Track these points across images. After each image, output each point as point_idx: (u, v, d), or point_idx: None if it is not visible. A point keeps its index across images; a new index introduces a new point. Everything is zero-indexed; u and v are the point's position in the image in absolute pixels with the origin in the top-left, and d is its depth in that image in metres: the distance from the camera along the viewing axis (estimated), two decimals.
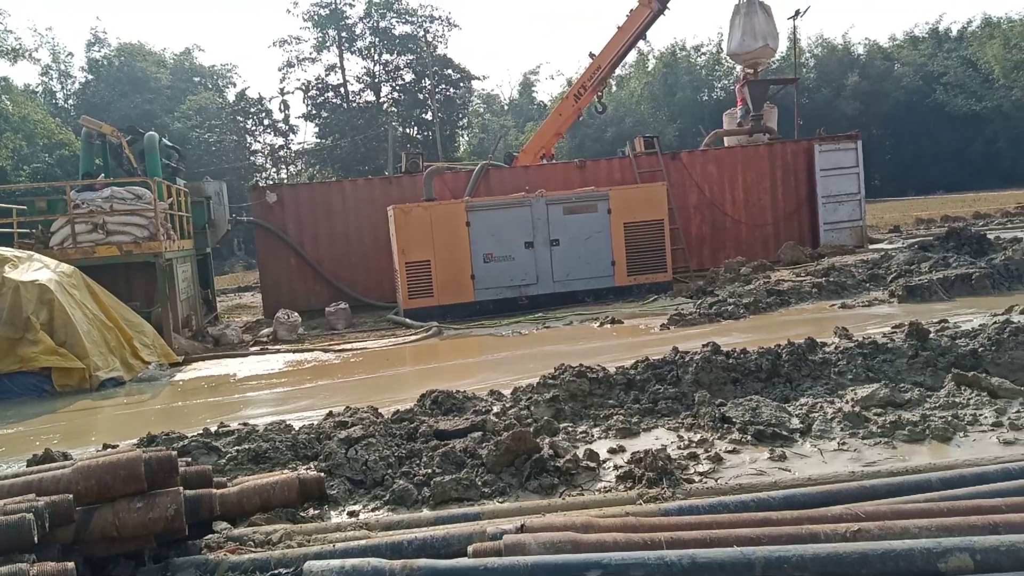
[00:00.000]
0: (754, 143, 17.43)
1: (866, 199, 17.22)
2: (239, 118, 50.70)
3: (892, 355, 5.67)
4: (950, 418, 4.50)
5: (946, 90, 48.18)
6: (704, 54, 54.81)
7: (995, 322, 6.66)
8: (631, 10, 17.78)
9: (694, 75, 53.48)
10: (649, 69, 54.06)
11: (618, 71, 37.02)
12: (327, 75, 51.88)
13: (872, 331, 7.34)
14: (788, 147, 16.85)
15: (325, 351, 10.35)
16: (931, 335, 6.06)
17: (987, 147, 47.16)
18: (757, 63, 18.56)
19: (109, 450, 4.74)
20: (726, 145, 18.20)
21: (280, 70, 52.12)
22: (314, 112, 51.61)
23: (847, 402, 4.92)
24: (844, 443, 4.35)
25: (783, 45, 30.04)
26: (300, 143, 54.00)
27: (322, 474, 4.22)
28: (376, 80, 52.60)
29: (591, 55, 18.37)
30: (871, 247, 16.08)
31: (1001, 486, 3.22)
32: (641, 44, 24.78)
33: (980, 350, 5.58)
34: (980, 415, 4.55)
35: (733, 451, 4.37)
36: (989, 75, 47.65)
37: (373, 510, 4.00)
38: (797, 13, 24.48)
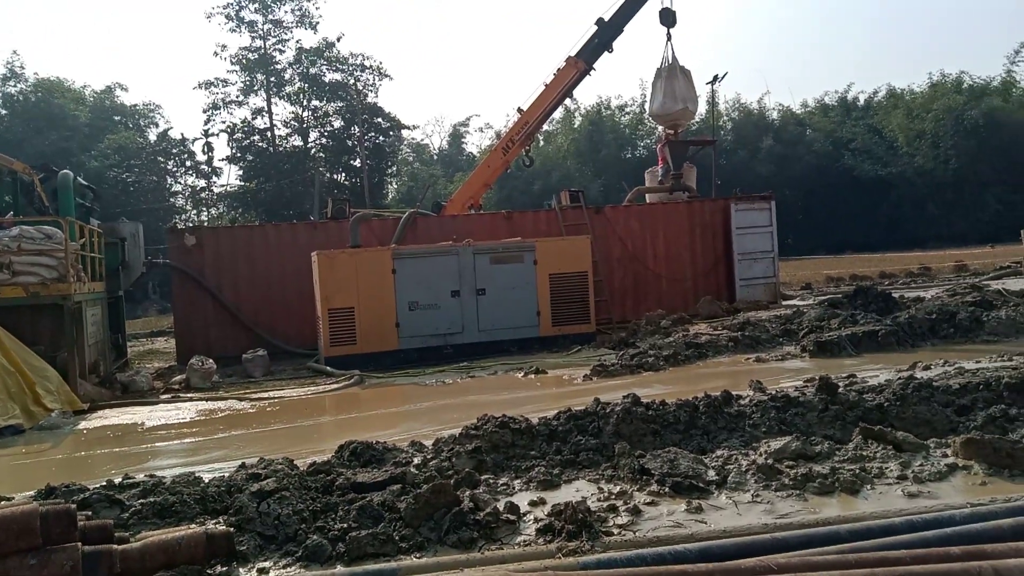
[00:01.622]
0: (674, 200, 18.00)
1: (779, 257, 17.90)
2: (160, 159, 49.54)
3: (803, 408, 5.85)
4: (858, 471, 4.65)
5: (854, 155, 50.91)
6: (628, 113, 56.62)
7: (900, 378, 6.98)
8: (558, 69, 18.32)
9: (618, 133, 55.09)
10: (576, 126, 55.44)
11: (546, 126, 37.85)
12: (254, 118, 51.33)
13: (785, 385, 7.58)
14: (706, 205, 17.46)
15: (241, 400, 10.04)
16: (840, 390, 6.28)
17: (892, 210, 49.83)
18: (677, 124, 19.26)
19: (3, 503, 4.46)
20: (648, 201, 18.73)
21: (205, 112, 51.17)
22: (239, 155, 50.82)
23: (761, 454, 5.04)
24: (758, 495, 4.45)
25: (702, 108, 31.39)
26: (223, 186, 52.93)
27: (231, 529, 4.05)
28: (304, 125, 52.32)
29: (519, 110, 18.79)
30: (784, 303, 16.69)
31: (906, 538, 3.33)
32: (568, 101, 25.50)
33: (886, 405, 5.81)
34: (886, 468, 4.72)
35: (652, 503, 4.41)
36: (893, 143, 50.64)
37: (284, 567, 3.85)
38: (715, 79, 25.70)
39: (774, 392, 6.54)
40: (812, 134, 54.03)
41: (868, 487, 4.48)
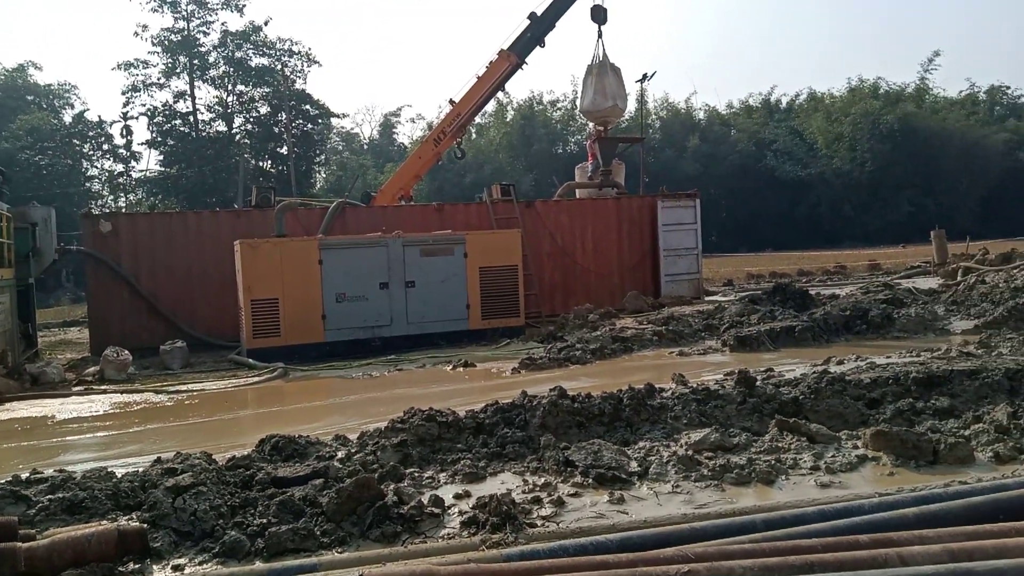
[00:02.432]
0: (603, 196, 18.21)
1: (703, 254, 18.33)
2: (75, 141, 47.46)
3: (723, 401, 6.01)
4: (774, 462, 4.80)
5: (776, 156, 52.46)
6: (560, 109, 56.97)
7: (814, 372, 7.23)
8: (490, 61, 18.30)
9: (550, 128, 55.39)
10: (508, 119, 55.50)
11: (478, 119, 37.80)
12: (175, 102, 49.68)
13: (706, 378, 7.77)
14: (634, 202, 17.74)
15: (157, 392, 9.72)
16: (758, 383, 6.47)
17: (811, 210, 51.58)
18: (607, 121, 19.50)
19: None
20: (578, 197, 18.91)
21: (124, 94, 49.22)
22: (159, 139, 49.14)
23: (681, 446, 5.15)
24: (678, 486, 4.54)
25: (632, 106, 31.85)
26: (142, 171, 51.09)
27: (145, 525, 3.92)
28: (229, 110, 50.89)
29: (451, 101, 18.70)
30: (707, 299, 17.08)
31: (818, 527, 3.44)
32: (500, 95, 25.60)
33: (801, 398, 6.01)
34: (800, 459, 4.88)
35: (575, 494, 4.46)
36: (813, 145, 52.37)
37: (201, 564, 3.75)
38: (644, 77, 26.09)
39: (695, 385, 6.70)
40: (736, 134, 55.43)
41: (783, 477, 4.63)
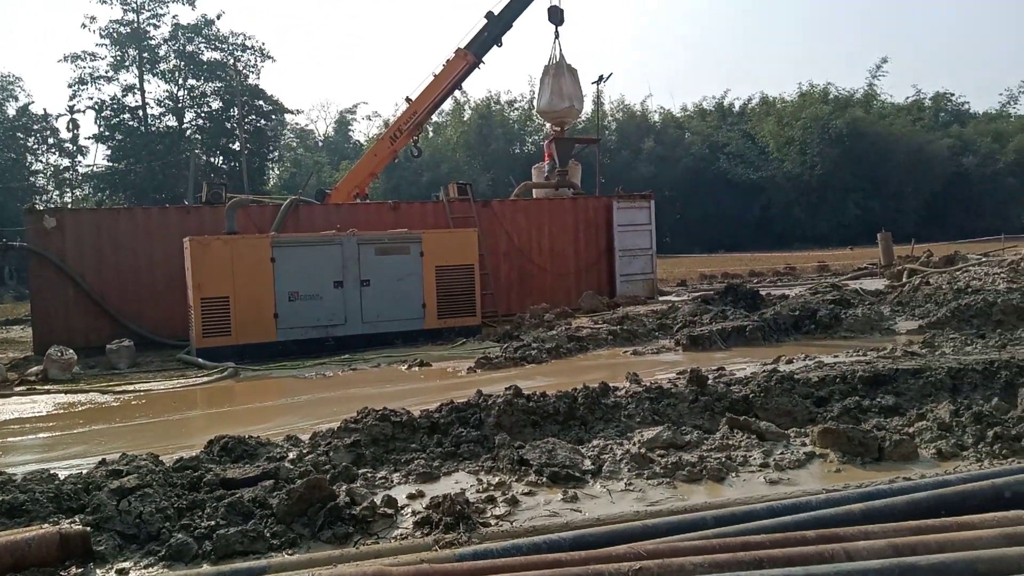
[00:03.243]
0: (560, 197, 18.28)
1: (657, 254, 18.52)
2: (19, 135, 46.05)
3: (675, 400, 6.07)
4: (724, 459, 4.87)
5: (728, 159, 53.30)
6: (517, 109, 57.05)
7: (764, 371, 7.36)
8: (447, 60, 18.23)
9: (507, 128, 55.44)
10: (465, 119, 55.40)
11: (435, 118, 37.65)
12: (124, 96, 48.52)
13: (659, 377, 7.84)
14: (590, 202, 17.84)
15: (103, 392, 9.47)
16: (709, 382, 6.56)
17: (762, 212, 52.52)
18: (564, 122, 19.57)
19: None
20: (535, 197, 18.95)
21: (71, 86, 47.92)
22: (107, 134, 47.93)
23: (634, 444, 5.19)
24: (631, 483, 4.58)
25: (588, 107, 32.04)
26: (89, 166, 49.77)
27: (88, 528, 3.82)
28: (179, 105, 49.88)
29: (408, 99, 18.58)
30: (661, 299, 17.27)
31: (766, 523, 3.50)
32: (457, 93, 25.58)
33: (751, 396, 6.11)
34: (750, 456, 4.96)
35: (529, 493, 4.46)
36: (765, 148, 53.32)
37: (146, 567, 3.66)
38: (600, 79, 26.24)
39: (649, 384, 6.77)
40: (690, 137, 56.18)
41: (733, 474, 4.69)
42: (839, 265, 25.42)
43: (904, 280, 15.42)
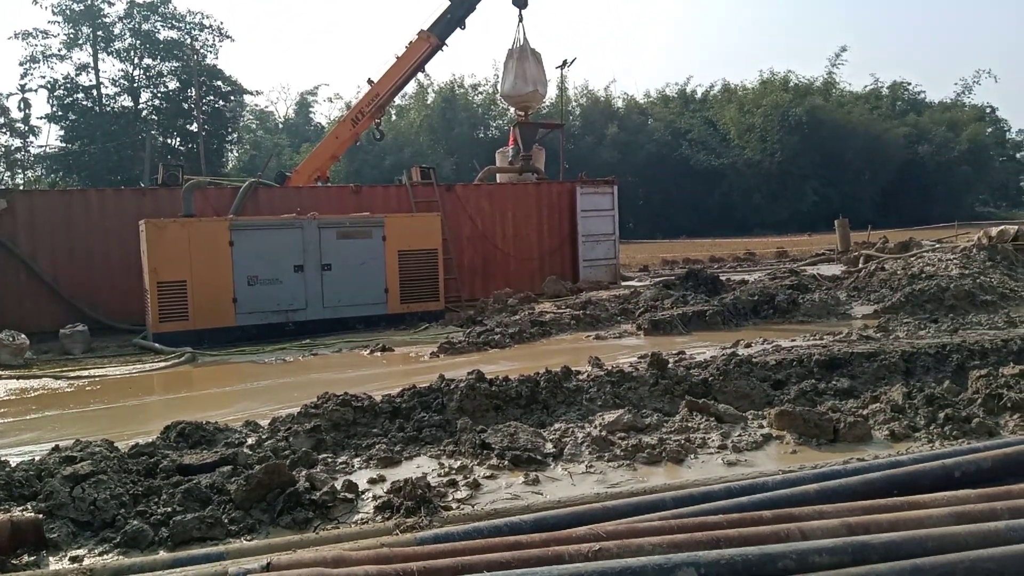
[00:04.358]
0: (524, 181, 18.25)
1: (620, 239, 18.63)
2: None
3: (636, 383, 6.13)
4: (683, 441, 4.93)
5: (691, 146, 53.71)
6: (481, 93, 56.78)
7: (724, 355, 7.45)
8: (410, 42, 18.03)
9: (471, 112, 55.15)
10: (429, 102, 54.97)
11: (398, 101, 37.34)
12: (78, 75, 47.23)
13: (621, 361, 7.90)
14: (554, 187, 17.85)
15: (57, 378, 9.26)
16: (670, 365, 6.63)
17: (723, 199, 53.09)
18: (528, 106, 19.51)
19: None
20: (498, 181, 18.89)
21: (22, 64, 46.49)
22: (60, 114, 46.65)
23: (595, 427, 5.23)
24: (592, 466, 4.61)
25: (552, 93, 31.97)
26: (41, 147, 48.40)
27: (40, 516, 3.73)
28: (135, 85, 48.69)
29: (370, 81, 18.34)
30: (623, 284, 17.37)
31: (724, 504, 3.55)
32: (421, 77, 25.29)
33: (710, 379, 6.19)
34: (708, 438, 5.03)
35: (491, 476, 4.47)
36: (726, 135, 53.83)
37: (101, 554, 3.60)
38: (564, 63, 26.12)
39: (611, 368, 6.81)
40: (653, 123, 56.46)
41: (692, 456, 4.75)
42: (797, 251, 25.82)
43: (860, 266, 15.71)
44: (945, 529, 3.00)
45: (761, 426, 5.29)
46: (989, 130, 60.40)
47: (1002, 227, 16.42)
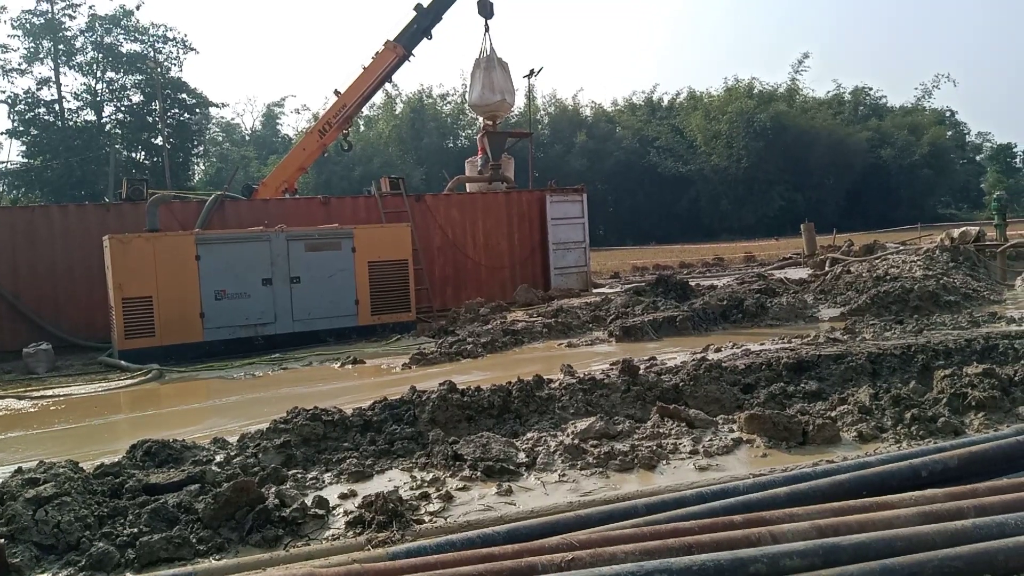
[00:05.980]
0: (493, 190, 18.27)
1: (591, 247, 18.70)
2: None
3: (608, 390, 6.13)
4: (655, 447, 4.94)
5: (658, 153, 54.22)
6: (450, 103, 56.86)
7: (694, 360, 7.50)
8: (377, 52, 17.99)
9: (440, 122, 55.19)
10: (397, 112, 54.90)
11: (366, 111, 37.19)
12: (39, 89, 46.51)
13: (593, 368, 7.92)
14: (524, 196, 17.88)
15: (20, 398, 9.06)
16: (641, 371, 6.65)
17: (691, 205, 53.64)
18: (495, 115, 19.54)
19: None
20: (468, 191, 18.88)
21: None
22: (21, 129, 45.86)
23: (568, 435, 5.22)
24: (564, 475, 4.61)
25: (520, 102, 32.12)
26: (2, 162, 47.52)
27: (2, 540, 3.64)
28: (98, 99, 48.06)
29: (336, 92, 18.26)
30: (594, 291, 17.45)
31: (696, 509, 3.56)
32: (389, 87, 25.31)
33: (681, 385, 6.21)
34: (680, 444, 5.05)
35: (464, 488, 4.44)
36: (693, 142, 54.42)
37: None
38: (532, 72, 26.28)
39: (583, 375, 6.81)
40: (621, 131, 56.91)
41: (664, 462, 4.77)
42: (765, 255, 26.14)
43: (826, 269, 15.94)
44: (914, 529, 3.04)
45: (732, 430, 5.33)
46: (949, 133, 61.79)
47: (963, 229, 16.79)
